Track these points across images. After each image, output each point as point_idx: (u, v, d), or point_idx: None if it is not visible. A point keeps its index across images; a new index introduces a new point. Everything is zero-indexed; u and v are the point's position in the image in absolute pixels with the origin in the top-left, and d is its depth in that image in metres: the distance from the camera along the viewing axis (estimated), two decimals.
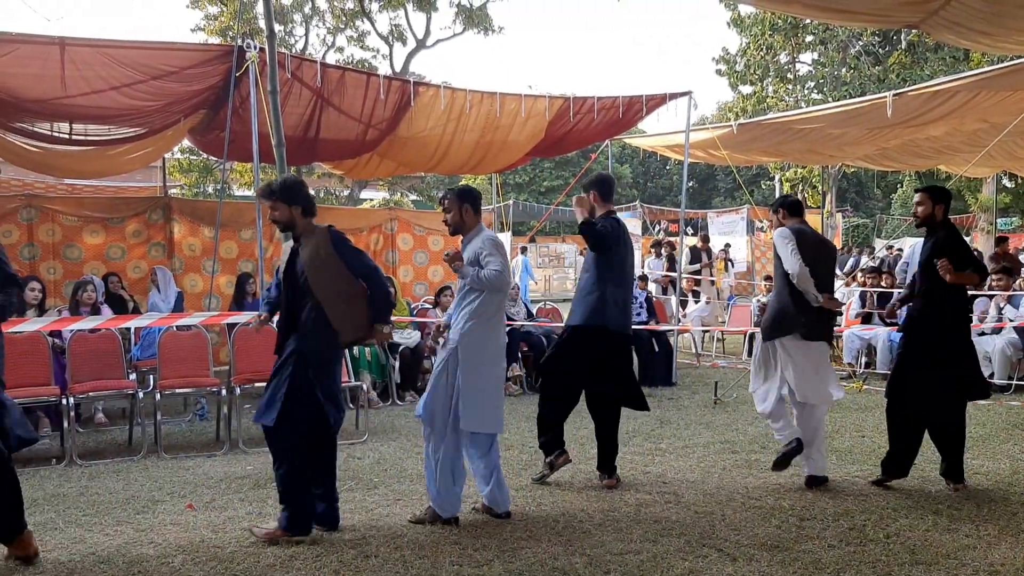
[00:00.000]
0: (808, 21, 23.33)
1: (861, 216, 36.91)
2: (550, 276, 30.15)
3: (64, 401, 6.73)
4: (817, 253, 5.63)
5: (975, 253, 5.54)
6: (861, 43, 24.97)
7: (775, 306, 5.71)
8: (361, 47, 25.87)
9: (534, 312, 11.11)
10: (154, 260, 10.21)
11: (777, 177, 26.42)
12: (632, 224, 24.90)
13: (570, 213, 11.04)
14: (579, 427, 6.69)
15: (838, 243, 24.09)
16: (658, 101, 10.69)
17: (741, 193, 28.70)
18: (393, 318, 9.47)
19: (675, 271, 12.86)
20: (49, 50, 7.53)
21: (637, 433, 7.23)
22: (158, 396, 7.11)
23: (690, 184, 36.47)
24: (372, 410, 8.19)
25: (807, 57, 26.77)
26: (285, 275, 4.84)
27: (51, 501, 5.47)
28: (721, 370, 11.07)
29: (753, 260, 24.27)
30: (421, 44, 26.42)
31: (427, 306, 10.40)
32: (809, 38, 25.23)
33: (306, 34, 25.73)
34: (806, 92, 26.18)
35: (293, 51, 22.06)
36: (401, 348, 9.16)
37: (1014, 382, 9.05)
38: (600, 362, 5.65)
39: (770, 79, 25.87)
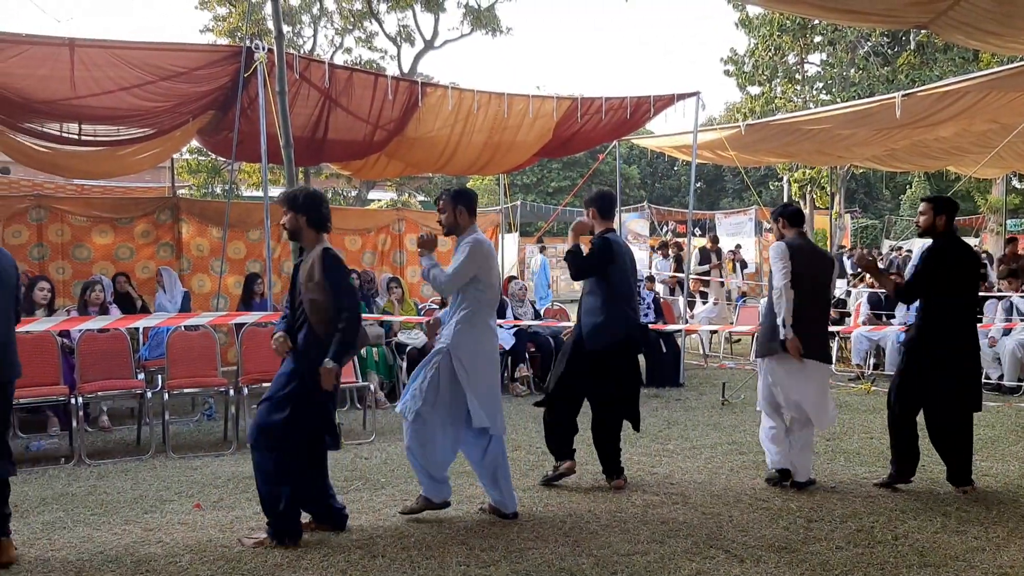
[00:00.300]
0: (817, 22, 23.26)
1: (870, 217, 36.79)
2: (557, 277, 30.12)
3: (73, 401, 6.76)
4: (813, 267, 5.59)
5: (952, 272, 5.50)
6: (870, 44, 24.89)
7: (766, 323, 5.68)
8: (369, 48, 25.91)
9: (541, 312, 11.10)
10: (162, 260, 10.25)
11: (785, 178, 26.31)
12: (640, 225, 24.93)
13: (578, 214, 11.01)
14: (587, 428, 6.68)
15: (847, 243, 24.01)
16: (666, 102, 10.68)
17: (749, 194, 28.64)
18: (401, 318, 9.56)
19: (682, 272, 12.84)
20: (59, 51, 7.57)
21: (644, 434, 7.21)
22: (166, 396, 7.15)
23: (698, 185, 36.42)
24: (379, 411, 8.20)
25: (816, 58, 26.71)
26: (290, 288, 4.80)
27: (60, 500, 5.49)
28: (729, 371, 11.04)
29: (761, 261, 24.21)
30: (429, 45, 26.43)
31: (434, 306, 10.41)
32: (818, 39, 25.15)
33: (314, 35, 25.78)
34: (815, 93, 26.10)
35: (301, 52, 22.08)
36: (408, 348, 9.17)
37: None
38: (601, 363, 5.63)
39: (778, 80, 25.80)
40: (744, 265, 19.48)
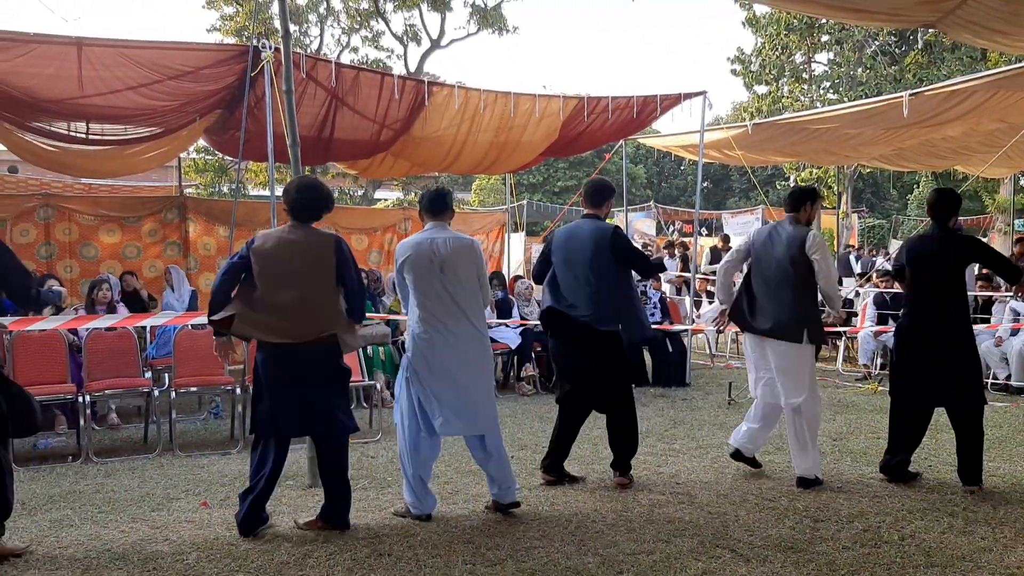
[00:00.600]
0: (824, 21, 23.17)
1: (877, 217, 36.60)
2: None
3: (80, 399, 6.79)
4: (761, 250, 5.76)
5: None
6: (877, 43, 24.79)
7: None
8: (375, 47, 25.91)
9: None
10: (169, 259, 10.28)
11: (792, 177, 26.22)
12: (646, 224, 24.89)
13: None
14: (593, 427, 6.67)
15: (854, 243, 23.93)
16: (672, 101, 10.66)
17: (756, 194, 28.58)
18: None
19: (689, 271, 12.81)
20: (66, 50, 7.59)
21: (650, 433, 7.21)
22: (173, 394, 7.17)
23: (704, 184, 36.37)
24: (386, 409, 8.20)
25: (823, 57, 26.59)
26: None
27: (67, 498, 5.51)
28: (735, 371, 11.01)
29: None
30: (435, 44, 26.43)
31: None
32: (825, 38, 25.03)
33: (321, 34, 25.80)
34: (822, 92, 26.00)
35: (308, 51, 22.11)
36: None
37: None
38: (581, 357, 5.63)
39: (785, 79, 25.70)
40: None
